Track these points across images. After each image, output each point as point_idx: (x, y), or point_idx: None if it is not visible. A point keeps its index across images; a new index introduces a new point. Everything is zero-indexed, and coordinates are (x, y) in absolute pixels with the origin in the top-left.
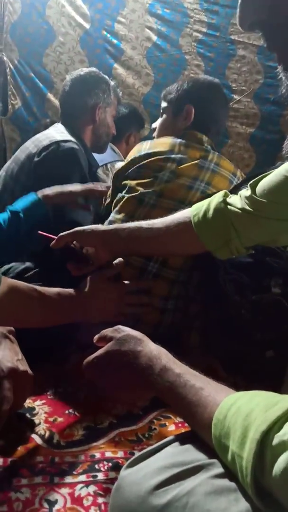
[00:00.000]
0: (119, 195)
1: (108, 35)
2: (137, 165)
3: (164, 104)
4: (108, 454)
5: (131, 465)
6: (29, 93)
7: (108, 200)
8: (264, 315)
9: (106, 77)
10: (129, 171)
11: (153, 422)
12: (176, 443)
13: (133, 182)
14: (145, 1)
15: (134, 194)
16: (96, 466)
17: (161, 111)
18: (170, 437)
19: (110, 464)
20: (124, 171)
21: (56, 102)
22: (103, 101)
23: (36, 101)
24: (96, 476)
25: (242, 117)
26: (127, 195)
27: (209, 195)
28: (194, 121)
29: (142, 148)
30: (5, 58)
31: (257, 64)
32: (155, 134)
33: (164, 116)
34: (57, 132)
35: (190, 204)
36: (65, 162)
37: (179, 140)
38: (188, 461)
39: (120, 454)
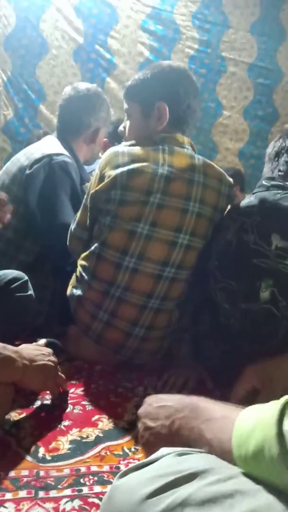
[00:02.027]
0: (103, 221)
1: (101, 50)
2: (121, 187)
3: (127, 105)
4: (94, 468)
5: (124, 475)
6: (22, 104)
7: (79, 215)
8: (253, 325)
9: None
10: (111, 192)
11: None
12: (172, 455)
13: (119, 209)
14: (138, 17)
15: (124, 226)
16: (82, 480)
17: (125, 112)
18: (167, 450)
19: (95, 478)
20: (105, 193)
21: (48, 113)
22: (103, 123)
23: (28, 113)
24: (81, 490)
25: (231, 132)
26: (114, 226)
27: (203, 215)
28: (170, 119)
29: (119, 160)
30: None
31: (247, 81)
32: (125, 138)
33: (132, 117)
34: (50, 145)
35: (187, 232)
36: (56, 176)
37: (161, 147)
38: (182, 469)
39: (106, 468)
